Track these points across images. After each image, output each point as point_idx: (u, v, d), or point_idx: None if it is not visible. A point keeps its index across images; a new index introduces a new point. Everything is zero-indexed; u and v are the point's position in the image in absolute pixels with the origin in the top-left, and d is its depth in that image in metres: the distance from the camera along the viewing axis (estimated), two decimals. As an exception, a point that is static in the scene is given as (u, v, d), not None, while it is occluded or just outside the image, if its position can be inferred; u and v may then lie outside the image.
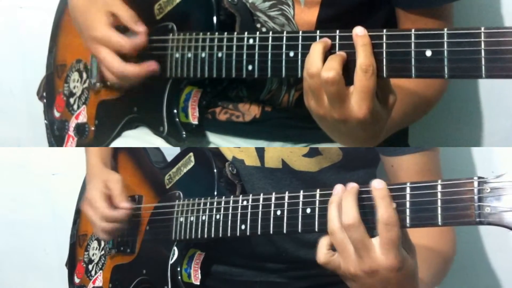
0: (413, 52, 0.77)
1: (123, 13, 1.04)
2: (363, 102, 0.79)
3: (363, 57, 0.79)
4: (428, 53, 0.77)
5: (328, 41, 0.83)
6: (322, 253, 0.80)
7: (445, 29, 0.76)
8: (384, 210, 0.75)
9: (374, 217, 0.76)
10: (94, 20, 1.05)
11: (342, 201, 0.78)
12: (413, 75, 0.78)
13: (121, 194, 1.11)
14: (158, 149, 1.25)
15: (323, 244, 0.80)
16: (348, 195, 0.78)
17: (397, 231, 0.75)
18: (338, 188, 0.80)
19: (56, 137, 1.30)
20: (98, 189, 1.12)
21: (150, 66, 1.03)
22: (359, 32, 0.80)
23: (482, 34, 0.73)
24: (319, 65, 0.80)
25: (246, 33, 0.93)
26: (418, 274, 0.81)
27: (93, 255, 1.25)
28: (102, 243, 1.24)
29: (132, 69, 1.03)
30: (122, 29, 1.06)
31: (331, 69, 0.79)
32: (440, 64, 0.76)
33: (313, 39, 0.84)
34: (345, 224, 0.77)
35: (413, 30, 0.78)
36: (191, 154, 1.11)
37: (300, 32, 0.87)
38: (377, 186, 0.77)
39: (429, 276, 0.95)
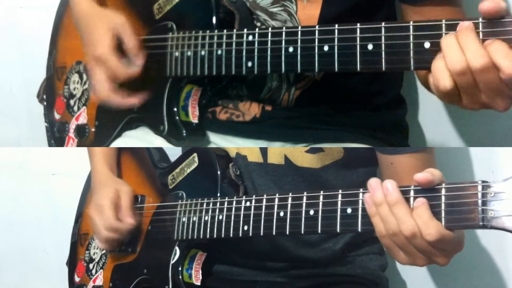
0: (411, 44, 0.78)
1: (128, 41, 1.05)
2: None
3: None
4: (427, 44, 0.77)
5: (471, 25, 0.74)
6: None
7: (443, 20, 0.76)
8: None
9: None
10: (99, 38, 1.06)
11: (392, 208, 0.77)
12: (412, 67, 0.78)
13: (129, 208, 1.13)
14: (161, 149, 1.25)
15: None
16: (394, 193, 0.77)
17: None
18: (381, 187, 0.79)
19: (56, 139, 1.30)
20: (109, 198, 1.13)
21: (132, 101, 1.06)
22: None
23: (480, 24, 0.73)
24: (463, 57, 0.74)
25: (245, 29, 0.94)
26: None
27: (94, 254, 1.25)
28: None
29: (117, 100, 1.05)
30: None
31: (482, 56, 0.72)
32: None
33: (312, 33, 0.84)
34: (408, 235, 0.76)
35: (411, 22, 0.78)
36: (195, 154, 1.11)
37: (299, 27, 0.87)
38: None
39: None
